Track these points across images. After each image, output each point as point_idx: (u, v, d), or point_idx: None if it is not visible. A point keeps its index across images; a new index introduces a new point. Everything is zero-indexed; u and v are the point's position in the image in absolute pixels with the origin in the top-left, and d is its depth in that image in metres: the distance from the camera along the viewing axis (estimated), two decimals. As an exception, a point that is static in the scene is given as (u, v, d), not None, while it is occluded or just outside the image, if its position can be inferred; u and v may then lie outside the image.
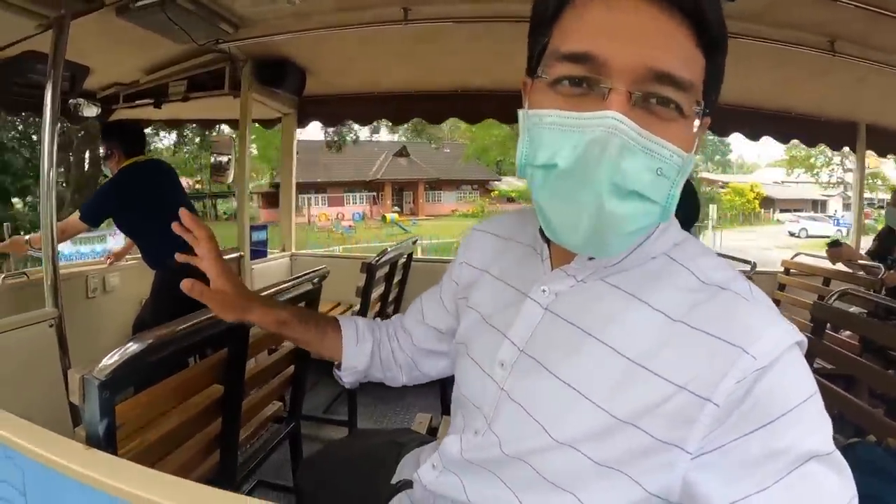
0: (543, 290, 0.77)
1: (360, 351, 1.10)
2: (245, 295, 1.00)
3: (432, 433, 1.64)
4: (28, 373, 1.84)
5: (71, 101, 3.33)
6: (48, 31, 2.09)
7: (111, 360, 0.96)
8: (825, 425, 0.59)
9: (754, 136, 3.98)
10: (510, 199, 35.90)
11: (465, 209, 36.37)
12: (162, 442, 1.28)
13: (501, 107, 3.93)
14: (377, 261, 2.76)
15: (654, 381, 0.63)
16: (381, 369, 1.13)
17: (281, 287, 1.66)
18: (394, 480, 1.03)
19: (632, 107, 0.60)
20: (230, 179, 4.51)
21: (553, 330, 0.74)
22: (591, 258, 0.72)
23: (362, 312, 2.67)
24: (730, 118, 3.82)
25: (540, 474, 0.70)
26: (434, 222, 31.68)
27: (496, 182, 37.63)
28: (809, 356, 2.17)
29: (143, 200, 2.97)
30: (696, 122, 0.65)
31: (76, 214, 2.97)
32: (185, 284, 0.90)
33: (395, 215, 33.67)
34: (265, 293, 1.59)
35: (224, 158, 4.53)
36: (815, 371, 2.05)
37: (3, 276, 2.83)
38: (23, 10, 2.01)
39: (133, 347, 0.99)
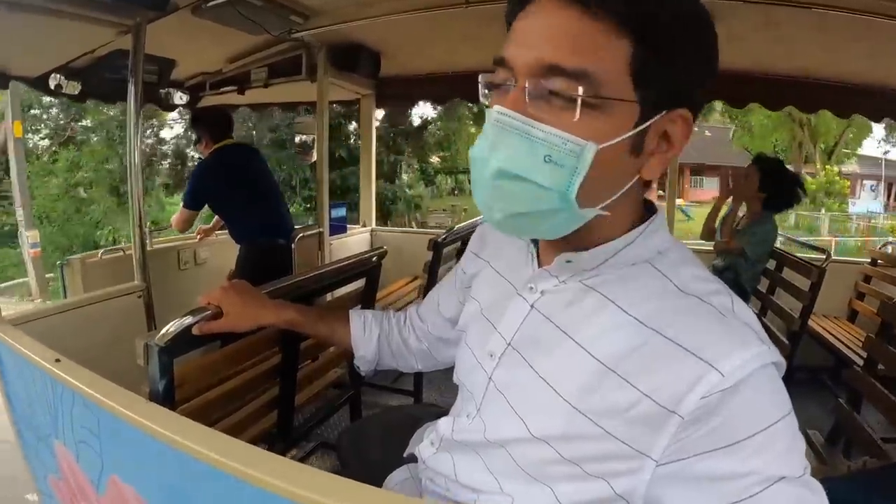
0: (531, 288, 0.78)
1: (367, 342, 1.18)
2: (256, 305, 1.15)
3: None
4: (118, 337, 2.07)
5: (162, 90, 3.55)
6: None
7: (170, 329, 1.08)
8: (795, 449, 0.58)
9: (843, 113, 3.72)
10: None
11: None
12: (222, 400, 1.44)
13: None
14: (444, 238, 2.81)
15: (621, 385, 0.63)
16: (393, 357, 1.20)
17: (334, 266, 1.78)
18: (406, 453, 1.08)
19: (531, 100, 0.62)
20: (314, 158, 4.69)
21: (536, 327, 0.76)
22: (567, 261, 0.72)
23: (428, 288, 2.72)
24: (818, 92, 3.52)
25: (517, 464, 0.73)
26: (701, 209, 28.04)
27: (752, 169, 32.81)
28: (872, 360, 2.01)
29: (229, 181, 3.19)
30: (634, 111, 0.63)
31: (180, 206, 3.28)
32: (196, 329, 1.10)
33: (682, 200, 28.96)
34: (331, 268, 1.74)
35: (308, 138, 4.67)
36: (878, 376, 1.92)
37: (101, 251, 3.15)
38: (103, 21, 2.21)
39: (188, 320, 1.09)
